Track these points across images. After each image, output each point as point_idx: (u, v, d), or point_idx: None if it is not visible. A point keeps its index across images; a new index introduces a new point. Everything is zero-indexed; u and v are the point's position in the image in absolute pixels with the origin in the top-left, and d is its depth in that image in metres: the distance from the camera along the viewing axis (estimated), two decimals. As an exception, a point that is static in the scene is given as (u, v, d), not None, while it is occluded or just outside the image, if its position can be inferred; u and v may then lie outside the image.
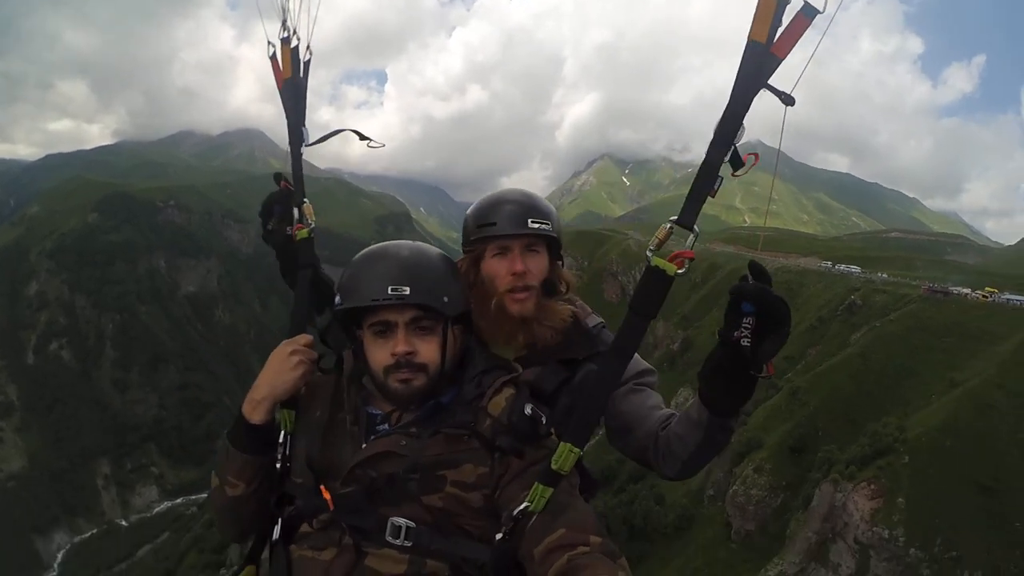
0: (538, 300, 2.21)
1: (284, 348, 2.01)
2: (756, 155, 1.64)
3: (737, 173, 1.65)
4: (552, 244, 2.28)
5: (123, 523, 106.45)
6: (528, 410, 1.83)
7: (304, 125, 2.25)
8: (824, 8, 1.45)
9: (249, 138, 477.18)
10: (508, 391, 1.93)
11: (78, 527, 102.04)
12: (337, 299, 1.95)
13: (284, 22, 2.22)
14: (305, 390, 2.05)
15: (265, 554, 2.02)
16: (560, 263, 2.32)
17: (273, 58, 2.26)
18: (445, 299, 1.89)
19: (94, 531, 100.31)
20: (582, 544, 1.64)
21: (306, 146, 2.25)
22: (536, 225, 2.17)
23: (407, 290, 1.84)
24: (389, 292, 1.84)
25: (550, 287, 2.25)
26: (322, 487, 1.83)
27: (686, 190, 1.53)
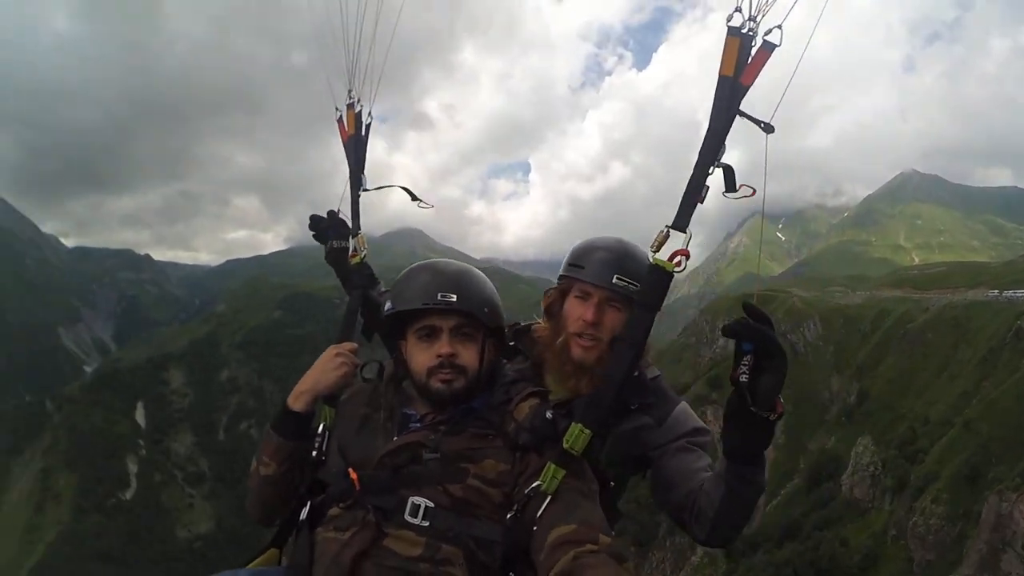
0: (602, 353, 2.21)
1: (331, 351, 2.28)
2: (754, 189, 1.83)
3: (727, 194, 1.85)
4: None
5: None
6: (549, 415, 1.96)
7: (363, 174, 2.70)
8: (780, 43, 1.74)
9: (409, 236, 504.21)
10: (533, 400, 2.07)
11: None
12: (388, 305, 2.15)
13: (349, 91, 2.70)
14: (347, 395, 2.26)
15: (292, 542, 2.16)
16: None
17: (340, 121, 2.75)
18: (486, 310, 2.08)
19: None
20: (590, 542, 1.68)
21: (363, 191, 2.68)
22: (619, 283, 2.21)
23: (454, 297, 2.02)
24: (439, 298, 2.01)
25: None
26: (350, 470, 1.95)
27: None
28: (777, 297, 79.20)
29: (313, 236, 2.77)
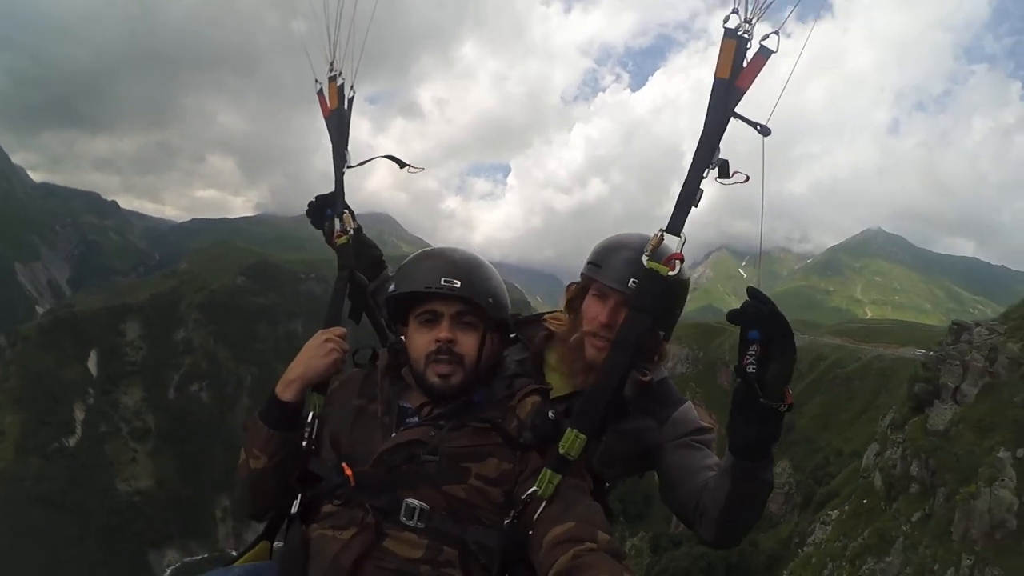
0: None
1: (319, 336, 2.21)
2: (747, 176, 1.83)
3: (720, 180, 1.85)
4: None
5: (233, 553, 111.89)
6: (551, 414, 1.93)
7: (347, 149, 2.61)
8: (777, 49, 1.74)
9: (380, 222, 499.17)
10: (535, 398, 2.04)
11: (190, 549, 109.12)
12: (391, 287, 2.13)
13: (331, 64, 2.63)
14: (339, 382, 2.23)
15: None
16: (662, 334, 2.28)
17: (320, 94, 2.67)
18: (490, 300, 2.04)
19: (205, 555, 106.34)
20: (589, 540, 1.66)
21: (348, 167, 2.60)
22: (635, 284, 2.12)
23: (458, 284, 1.98)
24: (442, 283, 1.98)
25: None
26: (344, 465, 1.91)
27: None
28: (728, 329, 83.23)
29: (311, 223, 2.73)
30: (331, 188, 2.68)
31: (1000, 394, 24.18)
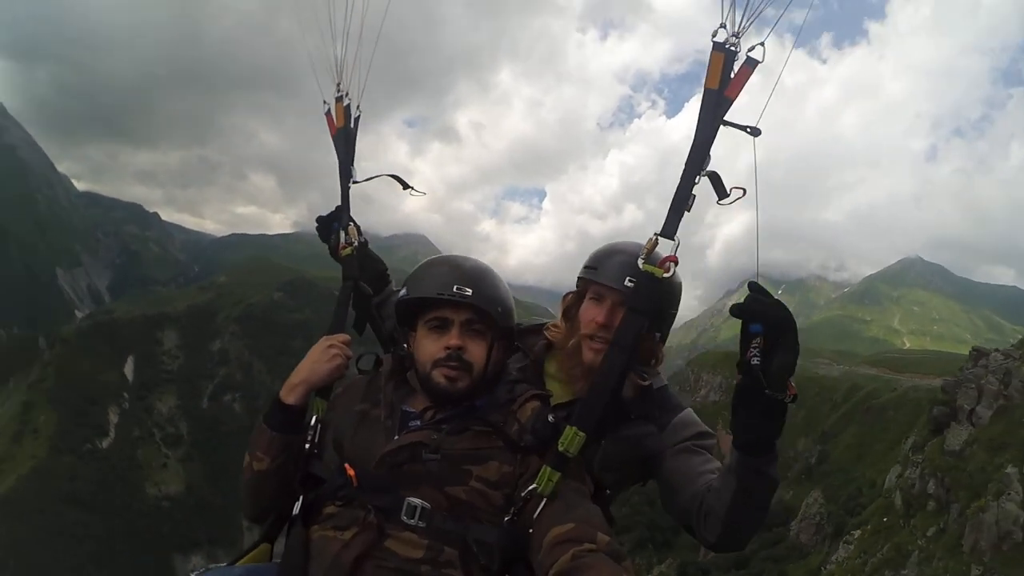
0: None
1: (323, 342, 2.26)
2: (744, 190, 1.87)
3: (722, 202, 1.89)
4: None
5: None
6: (551, 418, 1.96)
7: (352, 166, 2.71)
8: (763, 59, 1.83)
9: (414, 242, 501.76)
10: (536, 403, 2.08)
11: (216, 556, 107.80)
12: (403, 291, 2.14)
13: (338, 84, 2.71)
14: (342, 388, 2.27)
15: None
16: (658, 336, 2.34)
17: (328, 114, 2.76)
18: (499, 309, 2.07)
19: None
20: (589, 541, 1.67)
21: (353, 183, 2.70)
22: (632, 285, 2.14)
23: (469, 292, 2.01)
24: (454, 290, 2.00)
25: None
26: (347, 466, 1.93)
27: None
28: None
29: (319, 235, 2.79)
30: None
31: (1013, 415, 25.37)
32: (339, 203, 2.74)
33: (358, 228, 2.73)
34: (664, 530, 59.60)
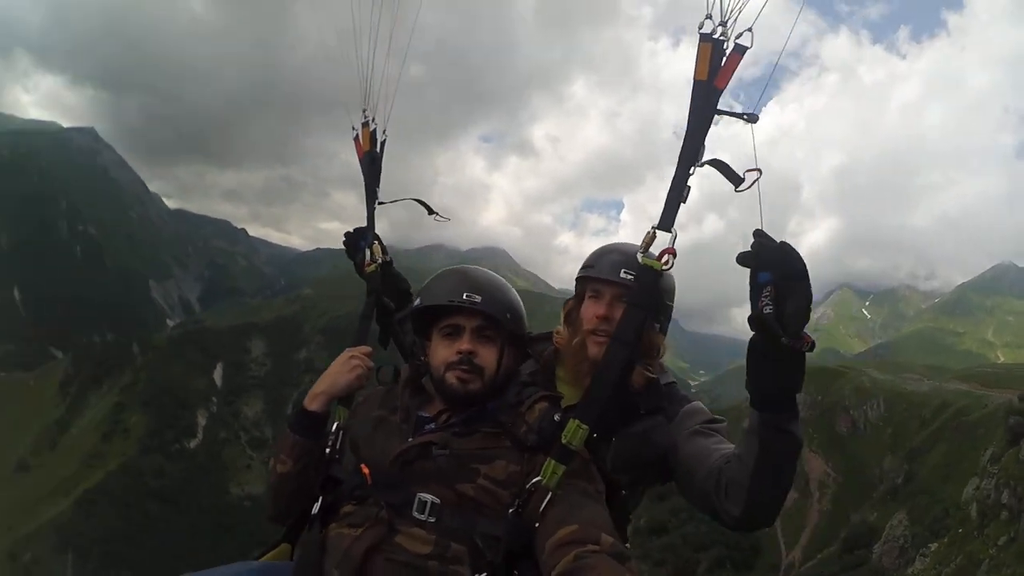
0: None
1: (346, 353, 2.33)
2: (759, 170, 1.79)
3: (739, 189, 1.82)
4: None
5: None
6: (557, 417, 1.97)
7: (378, 187, 2.80)
8: (752, 44, 1.79)
9: (494, 255, 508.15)
10: (544, 404, 2.09)
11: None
12: (417, 301, 2.22)
13: (364, 111, 2.82)
14: (363, 397, 2.34)
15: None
16: (657, 327, 2.38)
17: (356, 139, 2.85)
18: (508, 316, 2.13)
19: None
20: (592, 542, 1.67)
21: (379, 204, 2.78)
22: (628, 276, 2.21)
23: (479, 299, 2.08)
24: (464, 297, 2.08)
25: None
26: (363, 465, 2.02)
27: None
28: (848, 374, 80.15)
29: (346, 252, 2.86)
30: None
31: None
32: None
33: (383, 247, 2.84)
34: (744, 550, 58.71)
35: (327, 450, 2.22)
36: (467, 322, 2.10)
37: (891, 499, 56.79)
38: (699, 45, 1.84)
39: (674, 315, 2.54)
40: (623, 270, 2.27)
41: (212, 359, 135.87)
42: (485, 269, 2.28)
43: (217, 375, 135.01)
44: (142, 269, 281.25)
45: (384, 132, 2.84)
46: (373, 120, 2.84)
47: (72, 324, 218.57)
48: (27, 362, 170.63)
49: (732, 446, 2.06)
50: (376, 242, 2.79)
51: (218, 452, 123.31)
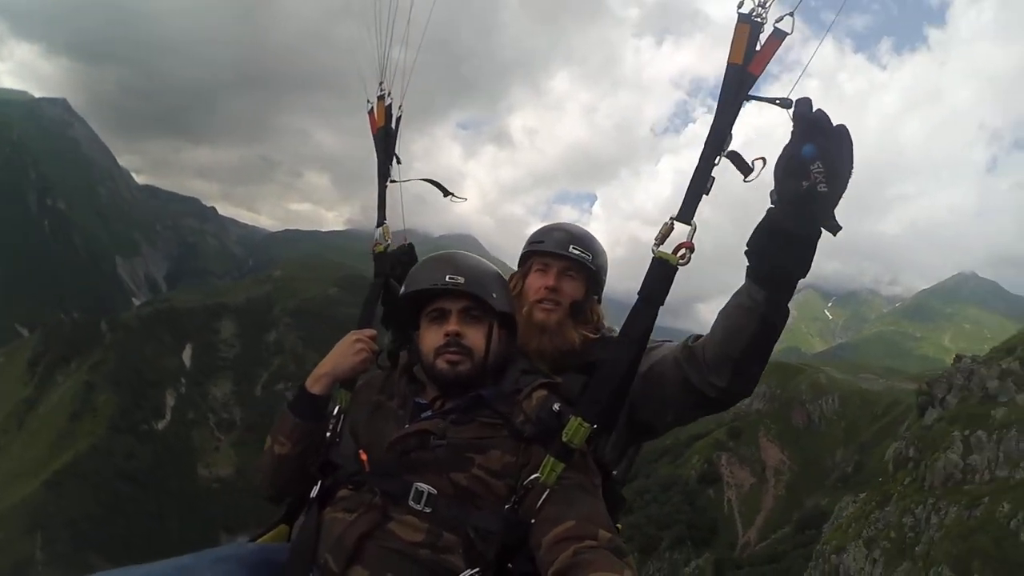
0: (562, 317, 2.30)
1: (350, 336, 2.30)
2: (764, 159, 1.72)
3: (748, 179, 1.75)
4: (591, 276, 2.39)
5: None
6: (556, 407, 1.93)
7: (391, 165, 2.69)
8: (792, 30, 1.66)
9: (463, 243, 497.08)
10: (543, 392, 2.04)
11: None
12: (402, 290, 2.21)
13: (380, 83, 2.70)
14: (364, 381, 2.30)
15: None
16: (597, 299, 2.43)
17: (371, 113, 2.74)
18: (494, 295, 2.10)
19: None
20: (590, 537, 1.66)
21: (391, 182, 2.70)
22: (576, 251, 2.31)
23: (462, 280, 2.06)
24: (447, 280, 2.06)
25: (578, 311, 2.34)
26: (361, 451, 2.01)
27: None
28: (806, 371, 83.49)
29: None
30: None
31: (969, 401, 37.49)
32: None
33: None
34: (701, 528, 61.66)
35: (327, 434, 2.22)
36: (452, 304, 2.10)
37: (841, 486, 60.12)
38: (736, 25, 1.73)
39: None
40: (572, 246, 2.36)
41: (181, 339, 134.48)
42: (467, 252, 2.28)
43: (186, 355, 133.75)
44: (110, 246, 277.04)
45: (400, 108, 2.73)
46: (389, 94, 2.73)
47: (39, 301, 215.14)
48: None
49: (675, 345, 2.22)
50: (386, 223, 2.74)
51: (186, 433, 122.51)
